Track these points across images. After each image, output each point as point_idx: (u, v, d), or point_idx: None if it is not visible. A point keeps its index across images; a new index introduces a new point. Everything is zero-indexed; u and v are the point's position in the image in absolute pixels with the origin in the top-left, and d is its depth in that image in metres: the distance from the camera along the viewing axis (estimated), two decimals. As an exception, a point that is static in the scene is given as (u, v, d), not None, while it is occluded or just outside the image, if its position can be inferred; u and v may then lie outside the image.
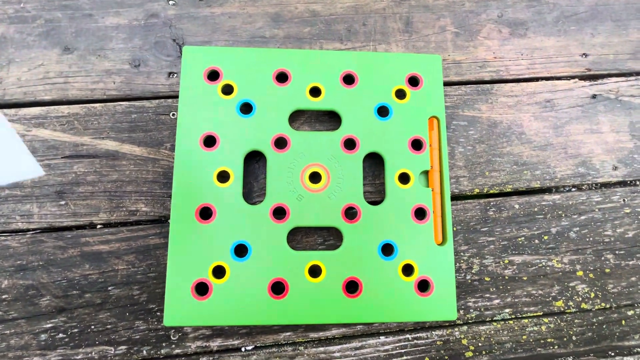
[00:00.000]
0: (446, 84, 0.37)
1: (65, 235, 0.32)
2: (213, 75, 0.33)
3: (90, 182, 0.33)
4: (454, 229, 0.35)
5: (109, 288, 0.32)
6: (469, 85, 0.38)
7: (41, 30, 0.36)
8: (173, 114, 0.35)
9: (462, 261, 0.34)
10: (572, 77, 0.39)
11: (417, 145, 0.33)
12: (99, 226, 0.33)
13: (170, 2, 0.37)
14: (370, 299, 0.30)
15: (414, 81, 0.34)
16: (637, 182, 0.37)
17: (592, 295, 0.34)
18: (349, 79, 0.34)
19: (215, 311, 0.29)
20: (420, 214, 0.32)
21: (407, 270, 0.31)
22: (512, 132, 0.37)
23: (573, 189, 0.37)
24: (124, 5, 0.37)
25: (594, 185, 0.37)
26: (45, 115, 0.34)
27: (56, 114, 0.34)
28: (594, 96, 0.38)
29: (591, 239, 0.35)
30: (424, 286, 0.31)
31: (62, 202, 0.33)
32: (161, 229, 0.33)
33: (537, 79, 0.39)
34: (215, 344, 0.31)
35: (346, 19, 0.38)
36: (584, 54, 0.39)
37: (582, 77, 0.39)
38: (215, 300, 0.29)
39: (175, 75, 0.36)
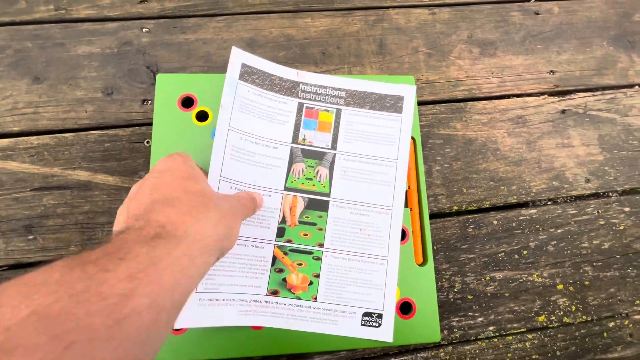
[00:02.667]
0: (421, 103, 0.38)
1: (33, 271, 0.31)
2: (187, 102, 0.33)
3: (61, 215, 0.32)
4: (435, 247, 0.35)
5: (81, 325, 0.30)
6: (443, 104, 0.38)
7: (10, 61, 0.35)
8: (147, 142, 0.34)
9: (444, 280, 0.34)
10: (542, 94, 0.40)
11: (393, 165, 0.33)
12: (70, 260, 0.31)
13: (144, 30, 0.37)
14: (353, 325, 0.30)
15: (388, 102, 0.35)
16: (610, 194, 0.38)
17: (574, 308, 0.35)
18: (324, 102, 0.34)
19: (192, 346, 0.28)
20: (401, 234, 0.32)
21: (389, 292, 0.31)
22: (487, 148, 0.38)
23: (549, 203, 0.37)
24: (96, 33, 0.36)
25: (568, 198, 0.38)
26: (14, 147, 0.33)
27: (25, 145, 0.33)
28: (563, 111, 0.40)
29: (569, 251, 0.36)
30: (406, 308, 0.31)
31: (31, 237, 0.31)
32: (136, 260, 0.32)
33: (508, 96, 0.40)
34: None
35: (321, 42, 0.39)
36: (551, 71, 0.41)
37: (551, 93, 0.40)
38: (191, 335, 0.28)
39: (150, 102, 0.35)
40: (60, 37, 0.36)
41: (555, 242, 0.36)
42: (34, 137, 0.33)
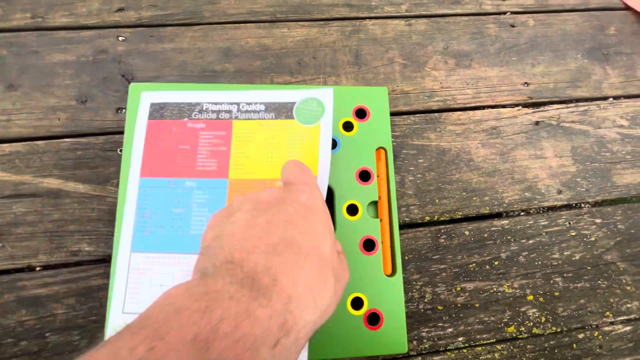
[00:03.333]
0: (395, 113, 0.38)
1: (0, 279, 0.31)
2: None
3: (30, 223, 0.32)
4: (406, 257, 0.35)
5: (47, 334, 0.30)
6: (418, 115, 0.39)
7: (-16, 68, 0.35)
8: (121, 150, 0.34)
9: (414, 290, 0.34)
10: (516, 105, 0.40)
11: (364, 176, 0.34)
12: (37, 268, 0.31)
13: (120, 38, 0.37)
14: (319, 335, 0.30)
15: (361, 113, 0.35)
16: (582, 205, 0.38)
17: (543, 319, 0.35)
18: (297, 112, 0.35)
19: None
20: (369, 245, 0.32)
21: (356, 303, 0.31)
22: (460, 159, 0.38)
23: (521, 214, 0.38)
24: (72, 42, 0.37)
25: (540, 209, 0.38)
26: (-15, 154, 0.33)
27: (-4, 153, 0.33)
28: (537, 123, 0.40)
29: (540, 262, 0.36)
30: (373, 319, 0.31)
31: (-1, 245, 0.31)
32: (105, 269, 0.32)
33: (482, 107, 0.40)
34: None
35: (297, 52, 0.39)
36: (525, 82, 0.41)
37: (525, 105, 0.41)
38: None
39: (124, 110, 0.35)
40: (36, 45, 0.36)
41: (526, 252, 0.36)
42: (6, 145, 0.33)
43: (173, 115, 0.32)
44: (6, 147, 0.33)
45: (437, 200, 0.37)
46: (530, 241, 0.37)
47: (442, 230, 0.36)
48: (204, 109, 0.32)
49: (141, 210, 0.30)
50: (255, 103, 0.33)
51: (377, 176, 0.34)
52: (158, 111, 0.32)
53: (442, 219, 0.36)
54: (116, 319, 0.28)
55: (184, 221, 0.30)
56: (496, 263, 0.36)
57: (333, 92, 0.33)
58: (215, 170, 0.31)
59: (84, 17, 0.37)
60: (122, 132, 0.35)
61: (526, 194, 0.38)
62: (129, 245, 0.29)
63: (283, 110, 0.33)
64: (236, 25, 0.39)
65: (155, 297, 0.28)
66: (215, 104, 0.33)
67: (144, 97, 0.32)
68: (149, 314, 0.15)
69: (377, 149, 0.34)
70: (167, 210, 0.30)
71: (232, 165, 0.31)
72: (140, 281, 0.29)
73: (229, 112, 0.33)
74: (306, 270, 0.17)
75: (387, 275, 0.32)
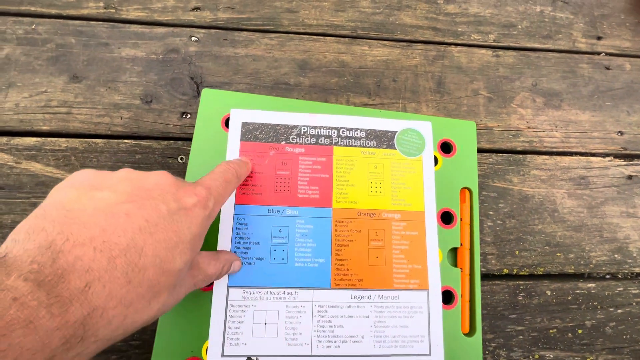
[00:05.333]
0: (477, 150, 0.35)
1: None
2: (231, 123, 0.30)
3: (79, 228, 0.29)
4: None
5: None
6: (501, 154, 0.35)
7: (50, 55, 0.33)
8: (182, 158, 0.32)
9: (487, 352, 0.30)
10: (608, 155, 0.37)
11: (446, 218, 0.30)
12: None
13: (193, 39, 0.35)
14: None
15: (446, 147, 0.32)
16: (677, 275, 0.34)
17: (631, 404, 0.31)
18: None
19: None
20: (447, 297, 0.29)
21: (430, 364, 0.27)
22: (544, 208, 0.34)
23: (608, 277, 0.34)
24: (144, 37, 0.34)
25: (630, 274, 0.34)
26: (40, 147, 0.31)
27: (52, 147, 0.31)
28: (630, 177, 0.36)
29: (629, 336, 0.32)
30: (447, 385, 0.27)
31: (44, 248, 0.29)
32: (153, 288, 0.29)
33: (571, 154, 0.36)
34: None
35: (376, 73, 0.36)
36: (619, 131, 0.38)
37: (618, 156, 0.37)
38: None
39: (189, 115, 0.33)
40: (106, 37, 0.34)
41: (614, 323, 0.32)
42: (63, 139, 0.31)
43: (269, 138, 0.29)
44: (63, 142, 0.31)
45: (517, 252, 0.33)
46: (619, 310, 0.33)
47: (522, 287, 0.32)
48: (302, 132, 0.30)
49: (238, 240, 0.27)
50: (356, 129, 0.30)
51: (461, 220, 0.30)
52: (251, 132, 0.29)
53: (521, 273, 0.33)
54: None
55: (286, 252, 0.27)
56: (580, 331, 0.32)
57: (422, 122, 0.30)
58: (318, 199, 0.28)
59: (159, 13, 0.35)
60: (185, 139, 0.32)
61: (616, 255, 0.34)
62: (226, 279, 0.26)
63: (384, 139, 0.30)
64: (315, 37, 0.37)
65: (259, 338, 0.25)
66: (314, 127, 0.30)
67: (235, 116, 0.30)
68: None
69: (461, 189, 0.31)
70: (267, 241, 0.27)
71: (335, 194, 0.29)
72: (241, 320, 0.26)
73: (329, 137, 0.30)
74: (132, 285, 0.15)
75: (465, 334, 0.28)
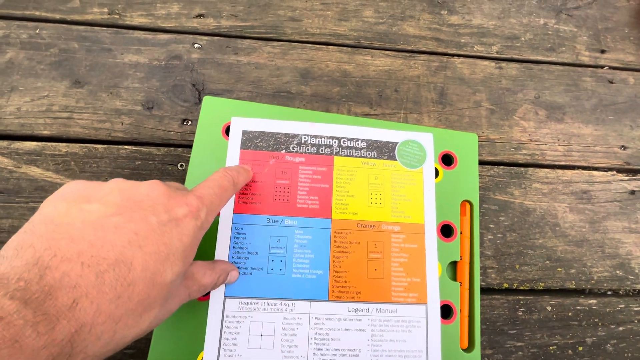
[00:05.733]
0: (478, 162, 0.35)
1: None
2: (232, 131, 0.30)
3: (77, 234, 0.29)
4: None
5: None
6: (502, 167, 0.35)
7: (53, 60, 0.33)
8: (181, 165, 0.32)
9: (486, 368, 0.30)
10: (610, 169, 0.37)
11: (447, 231, 0.30)
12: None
13: (196, 46, 0.35)
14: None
15: (447, 159, 0.32)
16: (679, 293, 0.34)
17: None
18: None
19: None
20: (445, 311, 0.29)
21: (427, 379, 0.27)
22: (545, 222, 0.34)
23: (609, 293, 0.33)
24: (147, 43, 0.35)
25: (632, 291, 0.33)
26: (40, 152, 0.31)
27: (52, 152, 0.31)
28: (632, 192, 0.36)
29: (630, 354, 0.31)
30: (445, 401, 0.27)
31: (41, 254, 0.28)
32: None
33: (573, 167, 0.36)
34: None
35: (378, 83, 0.36)
36: (622, 146, 0.37)
37: (620, 170, 0.37)
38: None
39: (190, 122, 0.33)
40: (109, 42, 0.34)
41: (615, 341, 0.32)
42: (63, 144, 0.31)
43: (269, 147, 0.29)
44: (63, 147, 0.31)
45: (517, 266, 0.33)
46: (620, 328, 0.32)
47: (522, 302, 0.32)
48: (303, 141, 0.30)
49: (236, 250, 0.27)
50: (357, 140, 0.30)
51: (461, 233, 0.30)
52: (252, 140, 0.29)
53: (521, 287, 0.32)
54: None
55: (284, 263, 0.27)
56: (580, 349, 0.31)
57: (423, 133, 0.30)
58: (318, 209, 0.28)
59: (162, 20, 0.35)
60: (185, 146, 0.32)
61: (617, 271, 0.34)
62: (223, 289, 0.26)
63: (385, 150, 0.30)
64: (317, 46, 0.37)
65: (254, 350, 0.24)
66: (315, 137, 0.30)
67: (235, 124, 0.30)
68: None
69: (462, 202, 0.31)
70: (265, 251, 0.27)
71: (335, 204, 0.28)
72: (237, 331, 0.25)
73: (330, 146, 0.30)
74: (122, 300, 0.15)
75: (463, 350, 0.28)
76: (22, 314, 0.12)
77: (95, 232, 0.15)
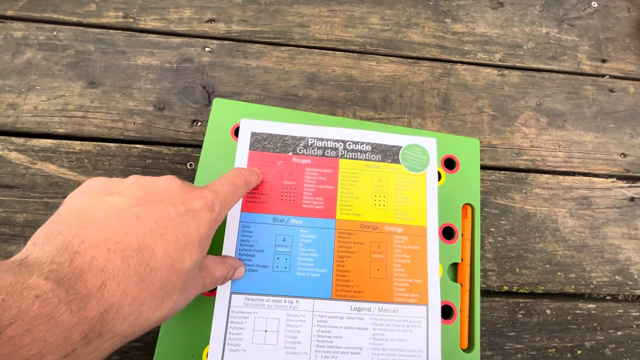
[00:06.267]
0: (480, 167, 0.36)
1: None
2: (240, 132, 0.31)
3: (89, 229, 0.30)
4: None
5: None
6: (503, 172, 0.36)
7: (69, 61, 0.34)
8: (191, 165, 0.33)
9: (485, 369, 0.30)
10: (610, 176, 0.37)
11: (448, 233, 0.31)
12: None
13: (207, 49, 0.36)
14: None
15: (449, 163, 0.33)
16: (678, 300, 0.34)
17: None
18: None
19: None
20: (446, 312, 0.29)
21: (427, 378, 0.27)
22: (546, 227, 0.35)
23: (608, 298, 0.34)
24: (159, 46, 0.36)
25: (630, 297, 0.34)
26: (55, 149, 0.32)
27: (67, 149, 0.32)
28: (632, 199, 0.36)
29: (628, 359, 0.32)
30: (444, 400, 0.27)
31: (53, 248, 0.29)
32: (157, 291, 0.29)
33: (573, 174, 0.37)
34: None
35: (383, 88, 0.37)
36: (622, 153, 0.38)
37: (621, 177, 0.37)
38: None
39: (200, 123, 0.34)
40: (123, 45, 0.35)
41: (613, 345, 0.32)
42: (78, 142, 0.32)
43: (276, 148, 0.30)
44: (77, 145, 0.32)
45: (517, 269, 0.33)
46: (619, 333, 0.32)
47: (521, 305, 0.32)
48: (309, 144, 0.30)
49: (243, 247, 0.28)
50: (362, 143, 0.31)
51: (462, 235, 0.31)
52: (260, 142, 0.30)
53: (521, 290, 0.33)
54: None
55: (289, 261, 0.28)
56: (579, 352, 0.32)
57: (427, 138, 0.31)
58: (322, 210, 0.29)
59: (175, 24, 0.37)
60: (194, 146, 0.33)
61: (617, 277, 0.34)
62: (229, 285, 0.27)
63: (389, 154, 0.31)
64: (324, 51, 0.38)
65: (258, 345, 0.25)
66: (321, 140, 0.31)
67: (245, 126, 0.31)
68: None
69: (463, 205, 0.32)
70: (270, 249, 0.28)
71: (339, 205, 0.29)
72: (242, 327, 0.26)
73: (335, 149, 0.31)
74: (145, 284, 0.16)
75: (463, 350, 0.28)
76: (55, 292, 0.13)
77: (119, 221, 0.16)
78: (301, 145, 0.30)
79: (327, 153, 0.30)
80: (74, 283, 0.14)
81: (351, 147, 0.31)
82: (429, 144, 0.32)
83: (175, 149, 0.33)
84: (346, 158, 0.30)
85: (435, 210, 0.30)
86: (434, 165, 0.31)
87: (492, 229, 0.34)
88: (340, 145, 0.31)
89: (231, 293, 0.27)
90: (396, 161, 0.31)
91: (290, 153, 0.30)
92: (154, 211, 0.18)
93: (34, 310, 0.13)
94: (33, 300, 0.13)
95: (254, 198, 0.29)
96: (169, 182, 0.20)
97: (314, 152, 0.30)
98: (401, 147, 0.31)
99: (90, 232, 0.16)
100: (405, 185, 0.30)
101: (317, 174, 0.30)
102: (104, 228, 0.16)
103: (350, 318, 0.27)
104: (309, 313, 0.27)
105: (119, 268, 0.15)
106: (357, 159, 0.31)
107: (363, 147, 0.31)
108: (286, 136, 0.31)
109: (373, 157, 0.31)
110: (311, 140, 0.31)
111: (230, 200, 0.23)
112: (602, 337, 0.32)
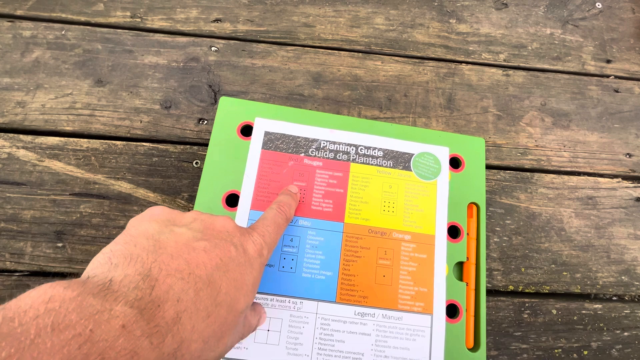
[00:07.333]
0: (485, 166, 0.36)
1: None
2: (247, 131, 0.31)
3: (95, 226, 0.30)
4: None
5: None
6: (509, 171, 0.36)
7: (77, 60, 0.35)
8: (197, 163, 0.33)
9: (491, 369, 0.30)
10: (616, 177, 0.37)
11: (453, 232, 0.31)
12: (94, 277, 0.29)
13: (213, 49, 0.36)
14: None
15: (455, 163, 0.33)
16: (685, 300, 0.34)
17: None
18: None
19: None
20: (452, 310, 0.29)
21: (433, 377, 0.27)
22: (551, 226, 0.35)
23: (615, 299, 0.33)
24: (166, 45, 0.36)
25: (637, 297, 0.34)
26: (63, 147, 0.32)
27: (74, 147, 0.32)
28: (638, 199, 0.36)
29: (635, 360, 0.32)
30: (450, 399, 0.27)
31: (60, 244, 0.29)
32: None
33: (579, 174, 0.37)
34: None
35: (388, 87, 0.37)
36: (628, 154, 0.38)
37: (626, 178, 0.37)
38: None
39: (206, 122, 0.34)
40: (130, 44, 0.36)
41: (620, 346, 0.32)
42: (85, 140, 0.32)
43: (289, 149, 0.30)
44: (84, 143, 0.32)
45: (522, 269, 0.33)
46: (626, 333, 0.32)
47: (527, 304, 0.32)
48: (322, 146, 0.31)
49: None
50: (374, 148, 0.31)
51: (467, 234, 0.31)
52: (273, 142, 0.30)
53: (527, 290, 0.33)
54: None
55: (295, 262, 0.28)
56: (585, 353, 0.31)
57: (439, 146, 0.31)
58: (331, 212, 0.29)
59: (181, 24, 0.37)
60: (200, 144, 0.33)
61: (623, 277, 0.34)
62: None
63: (401, 161, 0.31)
64: (329, 51, 0.38)
65: (260, 344, 0.25)
66: (333, 143, 0.31)
67: (258, 125, 0.31)
68: (19, 317, 0.11)
69: (469, 204, 0.32)
70: (277, 249, 0.28)
71: (348, 209, 0.29)
72: None
73: (347, 153, 0.31)
74: (210, 320, 0.15)
75: (469, 349, 0.28)
76: (139, 324, 0.13)
77: (189, 251, 0.16)
78: (313, 147, 0.30)
79: (339, 156, 0.31)
80: (154, 314, 0.13)
81: (363, 152, 0.31)
82: (441, 153, 0.32)
83: (182, 147, 0.33)
84: (357, 162, 0.31)
85: (444, 219, 0.30)
86: (446, 174, 0.31)
87: (498, 229, 0.34)
88: (352, 149, 0.31)
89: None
90: (407, 168, 0.31)
91: (302, 154, 0.30)
92: (219, 247, 0.17)
93: (119, 344, 0.12)
94: (120, 332, 0.12)
95: (263, 197, 0.29)
96: (226, 222, 0.20)
97: (326, 154, 0.30)
98: (413, 154, 0.31)
99: (166, 260, 0.15)
100: (416, 192, 0.30)
101: (328, 177, 0.30)
102: (176, 256, 0.16)
103: (353, 323, 0.27)
104: (312, 315, 0.27)
105: (192, 300, 0.15)
106: (368, 163, 0.31)
107: (375, 153, 0.31)
108: (299, 137, 0.31)
109: (384, 163, 0.31)
110: (324, 143, 0.31)
111: (275, 241, 0.22)
112: (608, 338, 0.32)
